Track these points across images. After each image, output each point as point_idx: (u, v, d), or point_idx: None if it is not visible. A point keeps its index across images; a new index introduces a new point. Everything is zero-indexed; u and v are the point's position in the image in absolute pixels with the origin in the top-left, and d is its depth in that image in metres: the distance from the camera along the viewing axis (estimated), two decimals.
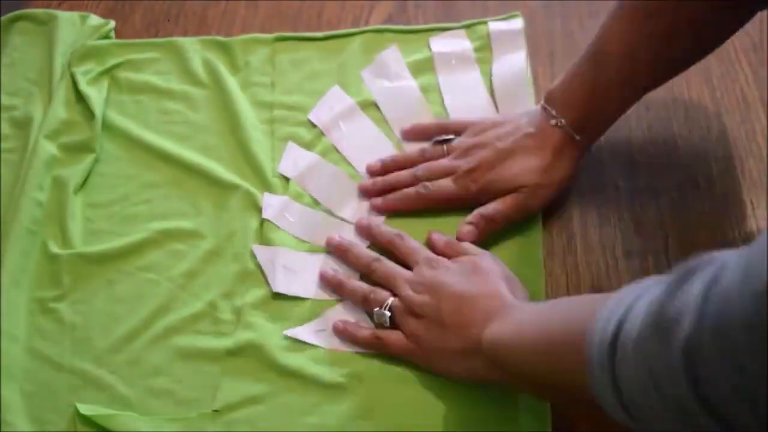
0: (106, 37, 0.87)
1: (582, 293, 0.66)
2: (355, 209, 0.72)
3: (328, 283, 0.67)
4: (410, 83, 0.79)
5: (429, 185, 0.69)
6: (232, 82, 0.81)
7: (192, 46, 0.84)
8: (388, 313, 0.63)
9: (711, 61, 0.78)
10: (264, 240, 0.71)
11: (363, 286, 0.66)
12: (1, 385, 0.64)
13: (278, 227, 0.72)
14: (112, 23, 0.88)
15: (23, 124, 0.81)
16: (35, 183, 0.75)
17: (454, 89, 0.78)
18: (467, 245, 0.66)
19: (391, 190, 0.71)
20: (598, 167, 0.73)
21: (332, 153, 0.76)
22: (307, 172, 0.75)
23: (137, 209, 0.75)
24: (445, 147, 0.72)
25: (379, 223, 0.70)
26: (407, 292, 0.63)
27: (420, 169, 0.71)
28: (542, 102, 0.69)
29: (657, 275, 0.42)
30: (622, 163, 0.73)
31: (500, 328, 0.56)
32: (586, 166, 0.73)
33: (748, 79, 0.77)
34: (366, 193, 0.72)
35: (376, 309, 0.63)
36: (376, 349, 0.63)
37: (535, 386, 0.55)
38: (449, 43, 0.81)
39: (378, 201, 0.71)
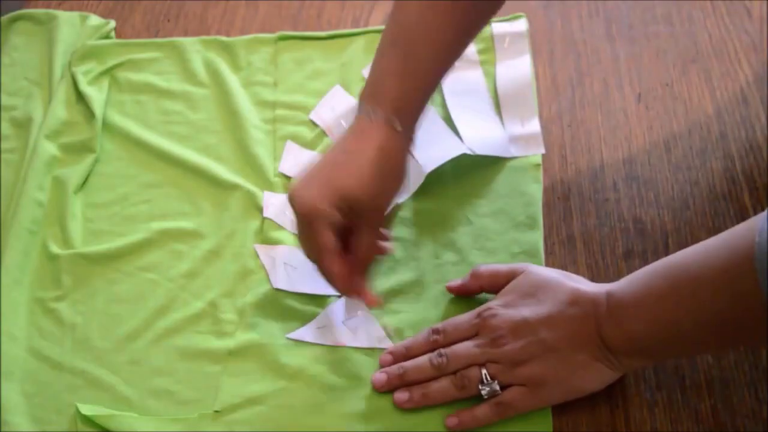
0: (107, 37, 0.87)
1: None
2: None
3: (410, 404, 0.60)
4: None
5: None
6: (233, 82, 0.81)
7: (193, 47, 0.84)
8: (495, 382, 0.58)
9: (711, 61, 0.79)
10: (265, 239, 0.71)
11: (448, 381, 0.60)
12: (1, 385, 0.64)
13: (279, 226, 0.72)
14: (113, 23, 0.88)
15: (23, 124, 0.81)
16: (35, 183, 0.75)
17: (456, 91, 0.78)
18: (494, 266, 0.64)
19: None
20: (599, 167, 0.73)
21: None
22: None
23: (137, 209, 0.75)
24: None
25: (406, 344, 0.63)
26: (493, 353, 0.58)
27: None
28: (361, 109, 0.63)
29: None
30: (622, 163, 0.73)
31: (622, 324, 0.55)
32: (587, 165, 0.73)
33: (748, 79, 0.77)
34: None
35: (479, 387, 0.58)
36: (503, 417, 0.58)
37: (689, 349, 0.58)
38: None
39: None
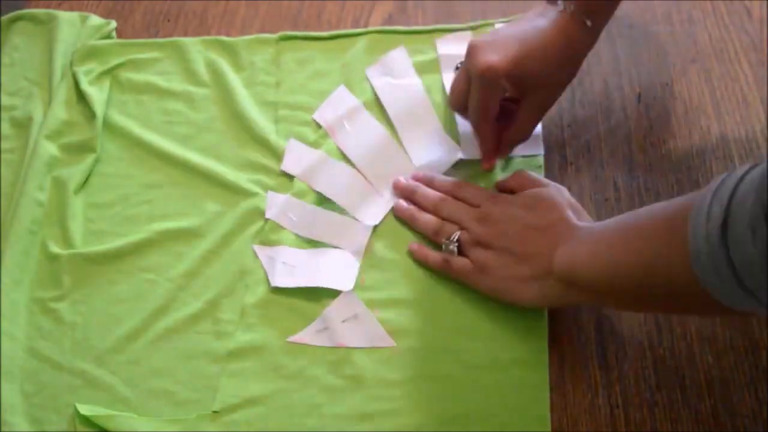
0: (108, 37, 0.87)
1: None
2: (364, 204, 0.72)
3: (401, 214, 0.71)
4: (415, 81, 0.79)
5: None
6: (235, 82, 0.81)
7: (195, 47, 0.84)
8: (455, 244, 0.66)
9: (711, 61, 0.78)
10: (265, 240, 0.71)
11: (434, 220, 0.69)
12: (1, 385, 0.64)
13: (281, 226, 0.72)
14: (114, 23, 0.88)
15: (23, 124, 0.81)
16: (35, 183, 0.75)
17: None
18: (533, 175, 0.69)
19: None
20: (598, 167, 0.73)
21: (337, 152, 0.76)
22: (314, 169, 0.74)
23: (138, 209, 0.75)
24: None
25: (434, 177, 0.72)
26: (474, 225, 0.66)
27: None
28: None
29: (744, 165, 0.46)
30: (622, 163, 0.73)
31: (572, 248, 0.59)
32: (587, 165, 0.73)
33: (748, 79, 0.77)
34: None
35: (444, 240, 0.67)
36: (443, 271, 0.67)
37: (618, 296, 0.58)
38: (455, 45, 0.80)
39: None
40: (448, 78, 0.79)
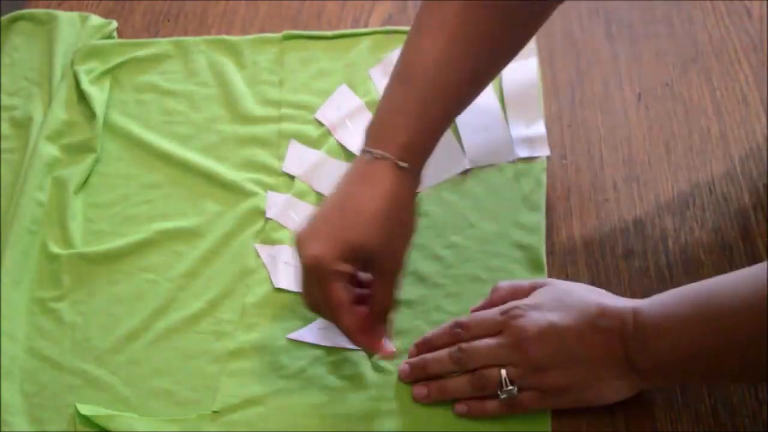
0: (109, 37, 0.87)
1: None
2: None
3: (427, 399, 0.60)
4: None
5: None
6: (237, 81, 0.81)
7: (197, 47, 0.84)
8: (514, 388, 0.57)
9: (711, 61, 0.79)
10: (266, 239, 0.71)
11: (463, 378, 0.59)
12: (1, 385, 0.64)
13: (282, 226, 0.72)
14: (115, 23, 0.88)
15: (23, 124, 0.81)
16: (35, 183, 0.75)
17: None
18: (522, 280, 0.62)
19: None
20: (598, 167, 0.73)
21: (339, 152, 0.76)
22: (314, 169, 0.75)
23: (138, 210, 0.75)
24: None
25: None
26: (513, 355, 0.57)
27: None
28: (362, 148, 0.60)
29: None
30: (622, 162, 0.73)
31: (648, 344, 0.54)
32: (587, 165, 0.73)
33: (748, 79, 0.77)
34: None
35: (498, 390, 0.57)
36: (512, 413, 0.58)
37: (713, 376, 0.57)
38: None
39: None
40: None
